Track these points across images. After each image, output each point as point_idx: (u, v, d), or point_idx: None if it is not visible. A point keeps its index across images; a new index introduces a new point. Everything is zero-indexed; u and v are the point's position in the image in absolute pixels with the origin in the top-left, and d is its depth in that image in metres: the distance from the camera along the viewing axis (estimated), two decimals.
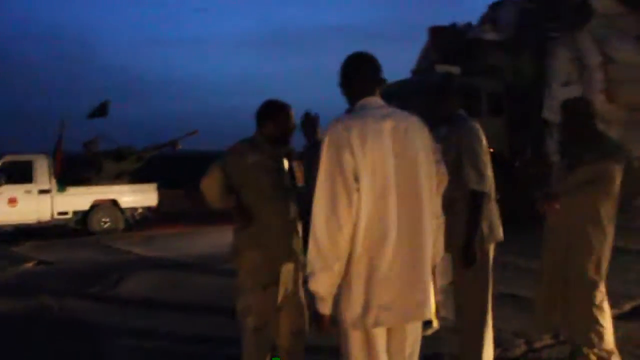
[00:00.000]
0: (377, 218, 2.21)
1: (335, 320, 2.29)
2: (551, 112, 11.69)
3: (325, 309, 2.24)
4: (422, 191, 2.33)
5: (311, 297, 2.29)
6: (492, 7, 14.57)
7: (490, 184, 3.37)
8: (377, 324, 2.25)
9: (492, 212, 3.43)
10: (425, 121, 2.51)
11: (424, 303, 2.32)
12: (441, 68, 11.80)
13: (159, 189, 13.19)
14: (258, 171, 3.28)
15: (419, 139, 2.36)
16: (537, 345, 4.19)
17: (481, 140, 3.37)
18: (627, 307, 5.02)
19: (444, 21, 15.05)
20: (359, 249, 2.21)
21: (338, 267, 2.19)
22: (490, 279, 3.42)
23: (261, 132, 3.39)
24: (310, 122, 5.34)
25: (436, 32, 15.13)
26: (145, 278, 6.87)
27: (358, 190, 2.18)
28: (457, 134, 3.35)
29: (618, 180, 3.63)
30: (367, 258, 2.22)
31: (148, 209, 12.86)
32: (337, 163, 2.20)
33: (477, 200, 3.27)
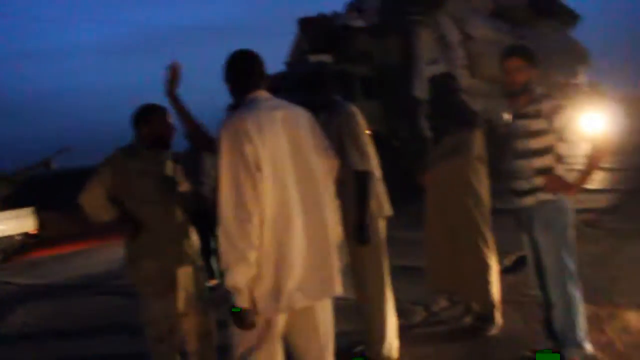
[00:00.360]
0: (281, 204, 2.25)
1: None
2: (420, 90, 12.33)
3: (245, 302, 2.19)
4: (318, 176, 2.41)
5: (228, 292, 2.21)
6: None
7: (373, 162, 3.51)
8: (289, 307, 2.27)
9: (379, 189, 3.59)
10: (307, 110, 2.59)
11: (332, 280, 2.38)
12: (314, 58, 12.04)
13: (37, 212, 12.37)
14: (139, 178, 3.17)
15: (308, 127, 2.45)
16: (435, 309, 4.47)
17: (359, 122, 3.48)
18: (507, 261, 5.50)
19: (308, 12, 15.22)
20: (267, 236, 2.22)
21: (252, 256, 2.17)
22: (385, 252, 3.57)
23: (138, 137, 3.29)
24: None
25: (305, 23, 15.33)
26: (32, 308, 6.43)
27: (261, 178, 2.20)
28: (337, 118, 3.42)
29: (480, 145, 3.93)
30: (275, 244, 2.23)
31: (26, 235, 12.05)
32: (238, 154, 2.20)
33: (362, 180, 3.39)
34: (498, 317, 3.94)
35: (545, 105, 3.03)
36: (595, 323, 3.78)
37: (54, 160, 12.95)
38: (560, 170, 3.08)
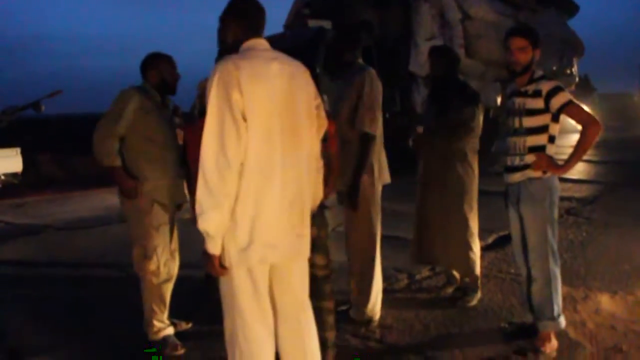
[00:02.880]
0: (263, 157, 2.22)
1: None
2: (417, 66, 12.33)
3: (216, 248, 2.20)
4: (303, 133, 2.37)
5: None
6: None
7: (380, 129, 3.58)
8: (262, 260, 2.27)
9: (382, 155, 3.67)
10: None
11: (306, 241, 2.40)
12: (313, 23, 11.95)
13: (24, 153, 12.25)
14: (144, 115, 3.38)
15: (303, 83, 2.40)
16: (418, 277, 4.61)
17: (378, 86, 3.55)
18: (490, 239, 5.66)
19: None
20: (246, 186, 2.19)
21: (227, 204, 2.15)
22: (379, 217, 3.66)
23: (147, 81, 3.52)
24: None
25: None
26: (23, 245, 6.47)
27: (246, 129, 2.17)
28: (358, 77, 3.50)
29: (481, 122, 4.04)
30: (253, 196, 2.21)
31: (13, 175, 11.94)
32: (226, 101, 2.15)
33: (367, 142, 3.46)
34: (478, 290, 4.08)
35: (545, 86, 3.10)
36: (569, 303, 3.94)
37: (44, 103, 12.75)
38: (551, 150, 3.18)
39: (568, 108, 3.07)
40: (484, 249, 5.10)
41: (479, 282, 4.13)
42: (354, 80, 3.50)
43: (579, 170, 11.08)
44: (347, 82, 3.56)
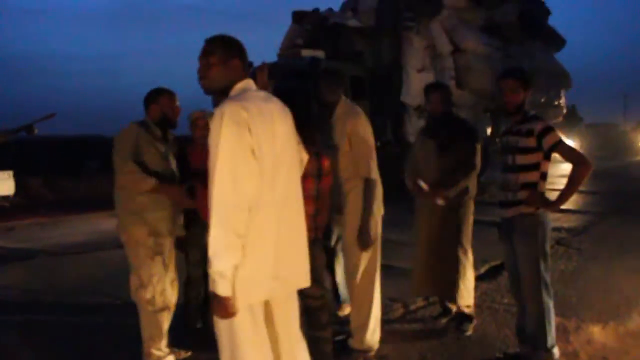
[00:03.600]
0: (267, 194, 2.24)
1: None
2: (408, 96, 12.57)
3: (229, 290, 2.14)
4: (296, 170, 2.45)
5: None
6: None
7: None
8: (269, 295, 2.31)
9: (379, 192, 3.76)
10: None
11: (306, 272, 2.45)
12: (307, 53, 12.16)
13: (16, 176, 12.28)
14: (147, 148, 3.50)
15: (289, 121, 2.44)
16: (412, 307, 4.68)
17: (369, 127, 3.69)
18: (483, 269, 5.75)
19: (304, 5, 15.34)
20: (253, 224, 2.19)
21: (241, 244, 2.14)
22: (379, 249, 3.76)
23: (149, 116, 3.65)
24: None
25: (300, 17, 15.43)
26: (16, 270, 6.48)
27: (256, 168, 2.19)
28: (349, 120, 3.63)
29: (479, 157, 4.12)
30: (259, 233, 2.22)
31: (4, 197, 11.96)
32: (239, 142, 2.16)
33: (370, 187, 3.59)
34: (473, 320, 4.17)
35: (537, 126, 3.24)
36: (562, 334, 4.01)
37: (37, 125, 12.82)
38: (543, 187, 3.32)
39: (559, 147, 3.20)
40: (477, 279, 5.19)
41: (474, 312, 4.22)
42: (346, 125, 3.61)
43: (569, 200, 11.27)
44: (337, 124, 3.70)
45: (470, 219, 4.15)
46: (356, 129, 3.60)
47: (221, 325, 2.26)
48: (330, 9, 15.56)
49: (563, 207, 8.94)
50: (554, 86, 16.21)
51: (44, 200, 13.73)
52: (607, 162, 21.51)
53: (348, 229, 3.68)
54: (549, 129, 3.23)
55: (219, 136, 2.15)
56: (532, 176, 3.29)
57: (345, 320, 3.86)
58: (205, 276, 4.02)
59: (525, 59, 14.56)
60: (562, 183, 7.48)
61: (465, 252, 4.11)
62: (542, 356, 3.31)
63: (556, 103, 16.71)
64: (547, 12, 17.14)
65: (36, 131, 13.57)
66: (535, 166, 3.28)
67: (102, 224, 9.46)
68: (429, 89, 4.30)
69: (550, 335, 3.33)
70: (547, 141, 3.20)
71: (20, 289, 5.70)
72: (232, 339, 2.26)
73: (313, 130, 3.21)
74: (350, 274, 3.76)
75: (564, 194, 3.26)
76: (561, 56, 17.23)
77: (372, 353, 3.71)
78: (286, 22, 15.56)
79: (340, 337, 3.79)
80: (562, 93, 17.01)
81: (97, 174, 15.64)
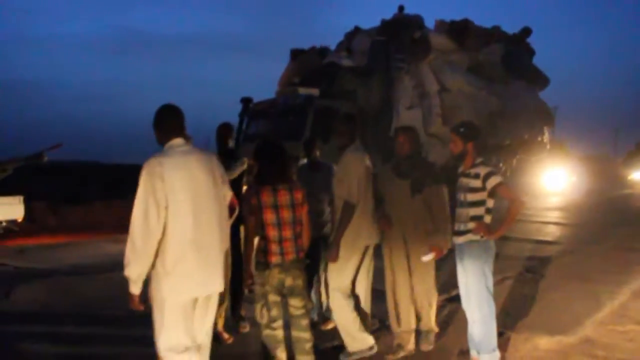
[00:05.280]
0: (186, 223, 3.16)
1: (149, 297, 3.22)
2: None
3: (136, 290, 3.17)
4: (214, 204, 3.33)
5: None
6: (348, 36, 16.07)
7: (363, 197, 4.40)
8: (190, 295, 3.22)
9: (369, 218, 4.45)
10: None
11: (219, 280, 3.33)
12: (303, 91, 12.95)
13: (25, 201, 12.97)
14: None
15: (213, 167, 3.38)
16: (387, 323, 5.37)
17: (367, 167, 4.47)
18: (454, 292, 6.42)
19: (296, 36, 16.26)
20: (173, 244, 3.12)
21: (146, 260, 3.10)
22: (348, 272, 4.48)
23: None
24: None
25: (297, 54, 16.30)
26: (37, 287, 7.14)
27: (166, 207, 3.10)
28: (348, 158, 4.46)
29: (447, 198, 4.54)
30: (179, 250, 3.14)
31: (13, 222, 12.64)
32: (150, 188, 3.08)
33: (345, 208, 4.34)
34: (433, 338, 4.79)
35: (482, 170, 4.03)
36: (512, 345, 4.74)
37: (45, 154, 13.57)
38: (487, 219, 4.08)
39: (499, 188, 3.99)
40: (449, 300, 5.96)
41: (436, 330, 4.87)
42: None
43: (545, 232, 12.02)
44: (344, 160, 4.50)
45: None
46: (347, 163, 4.45)
47: (155, 310, 3.22)
48: (325, 46, 16.43)
49: (540, 238, 9.73)
50: (537, 124, 17.02)
51: (47, 225, 14.43)
52: (594, 196, 22.25)
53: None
54: (491, 173, 4.01)
55: (139, 183, 3.11)
56: (479, 211, 4.06)
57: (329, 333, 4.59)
58: None
59: (509, 98, 15.42)
60: (544, 215, 8.48)
61: (433, 279, 4.70)
62: (487, 358, 4.03)
63: (540, 139, 17.52)
64: (532, 52, 18.06)
65: (46, 159, 14.44)
66: (482, 202, 4.05)
67: (105, 247, 10.13)
68: (396, 131, 4.85)
69: (492, 340, 4.06)
70: (490, 183, 3.98)
71: (42, 303, 6.41)
72: (161, 321, 3.19)
73: (287, 172, 4.03)
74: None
75: (503, 225, 4.03)
76: (549, 93, 18.08)
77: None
78: (284, 54, 16.46)
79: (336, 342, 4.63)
80: (546, 130, 17.81)
81: (96, 199, 16.39)
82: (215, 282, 3.33)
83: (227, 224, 3.51)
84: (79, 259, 9.35)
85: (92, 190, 17.80)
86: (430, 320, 4.75)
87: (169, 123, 3.35)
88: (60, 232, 12.96)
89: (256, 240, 3.90)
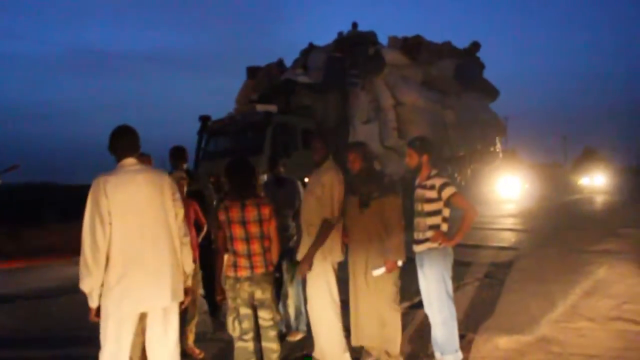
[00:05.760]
0: (130, 240, 3.27)
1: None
2: None
3: (93, 303, 3.28)
4: (162, 221, 3.43)
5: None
6: (303, 53, 16.37)
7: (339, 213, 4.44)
8: (132, 310, 3.29)
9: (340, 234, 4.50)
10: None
11: (165, 294, 3.38)
12: (261, 107, 13.13)
13: None
14: None
15: (162, 185, 3.48)
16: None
17: (342, 182, 4.48)
18: (416, 299, 6.62)
19: (250, 53, 16.40)
20: (117, 260, 3.24)
21: (97, 274, 3.21)
22: (325, 290, 4.46)
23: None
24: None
25: (254, 72, 16.47)
26: (1, 314, 7.08)
27: (111, 223, 3.23)
28: (326, 176, 4.44)
29: (400, 207, 4.49)
30: (122, 266, 3.25)
31: None
32: (95, 205, 3.22)
33: (325, 225, 4.36)
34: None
35: (437, 181, 4.25)
36: (474, 346, 4.95)
37: (1, 177, 13.33)
38: (444, 227, 4.29)
39: (454, 198, 4.22)
40: (413, 307, 6.17)
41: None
42: (320, 178, 4.45)
43: (502, 238, 12.42)
44: (316, 177, 4.52)
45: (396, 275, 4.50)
46: (332, 183, 4.40)
47: (101, 324, 3.32)
48: (281, 60, 16.60)
49: (497, 244, 10.06)
50: (489, 134, 17.61)
51: (4, 249, 14.06)
52: (546, 201, 22.97)
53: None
54: (446, 184, 4.24)
55: (88, 200, 3.26)
56: (436, 220, 4.28)
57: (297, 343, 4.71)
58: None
59: (461, 110, 15.93)
60: (499, 222, 8.80)
61: (396, 297, 4.51)
62: (450, 357, 4.24)
63: (492, 149, 18.11)
64: (482, 66, 18.71)
65: (1, 182, 14.14)
66: (438, 212, 4.28)
67: (65, 270, 9.99)
68: (347, 148, 4.79)
69: (455, 341, 4.27)
70: (446, 193, 4.21)
71: (8, 329, 6.33)
72: (104, 334, 3.30)
73: (253, 188, 4.10)
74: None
75: (458, 233, 4.25)
76: (499, 104, 18.74)
77: None
78: (238, 70, 16.57)
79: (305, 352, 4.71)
80: (498, 140, 18.43)
81: (55, 222, 16.00)
82: (160, 297, 3.39)
83: (180, 241, 3.55)
84: (40, 282, 9.22)
85: (48, 212, 17.41)
86: (397, 351, 4.50)
87: (120, 143, 3.47)
88: (18, 256, 12.66)
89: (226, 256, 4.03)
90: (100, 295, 3.28)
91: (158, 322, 3.42)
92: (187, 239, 3.61)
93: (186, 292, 3.59)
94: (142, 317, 3.43)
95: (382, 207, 4.38)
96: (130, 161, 3.45)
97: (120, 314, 3.27)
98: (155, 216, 3.40)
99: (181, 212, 3.58)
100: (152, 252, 3.35)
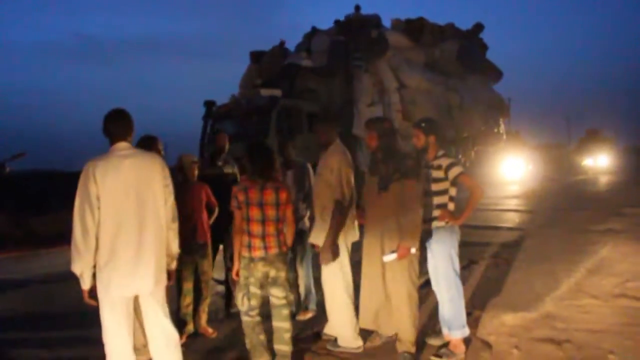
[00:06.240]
0: (116, 224, 3.32)
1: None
2: (359, 129, 13.68)
3: (85, 285, 3.36)
4: (150, 206, 3.44)
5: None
6: (307, 37, 16.35)
7: (350, 195, 4.53)
8: (119, 294, 3.37)
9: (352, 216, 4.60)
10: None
11: (147, 281, 3.43)
12: (265, 92, 13.18)
13: None
14: None
15: (152, 170, 3.50)
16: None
17: (350, 164, 4.59)
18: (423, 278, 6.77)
19: (252, 37, 16.35)
20: (105, 244, 3.30)
21: (87, 257, 3.28)
22: (341, 270, 4.59)
23: None
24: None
25: (257, 56, 16.46)
26: (15, 296, 7.21)
27: (99, 207, 3.29)
28: (333, 159, 4.54)
29: (420, 192, 4.26)
30: (109, 250, 3.31)
31: None
32: (85, 190, 3.29)
33: (337, 208, 4.43)
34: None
35: (444, 162, 4.34)
36: (480, 323, 5.07)
37: (8, 164, 13.45)
38: (451, 206, 4.38)
39: (460, 177, 4.31)
40: (422, 286, 6.24)
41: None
42: (329, 160, 4.55)
43: (506, 219, 12.53)
44: (325, 160, 4.60)
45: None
46: (340, 165, 4.50)
47: (99, 304, 3.41)
48: (283, 42, 16.54)
49: (503, 224, 10.18)
50: (493, 115, 17.63)
51: (13, 237, 14.19)
52: (550, 182, 23.01)
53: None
54: (453, 164, 4.33)
55: (78, 183, 3.34)
56: (443, 199, 4.37)
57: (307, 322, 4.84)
58: (196, 289, 4.98)
59: (465, 92, 15.95)
60: (503, 203, 8.87)
61: (415, 282, 4.42)
62: (457, 333, 4.35)
63: (496, 130, 18.13)
64: (485, 47, 18.66)
65: (8, 170, 14.29)
66: (445, 191, 4.36)
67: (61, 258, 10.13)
68: (365, 126, 4.62)
69: (462, 317, 4.38)
70: (452, 173, 4.30)
71: (22, 311, 6.48)
72: (103, 319, 3.42)
73: (272, 172, 4.14)
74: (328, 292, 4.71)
75: (465, 211, 4.34)
76: (503, 85, 18.72)
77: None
78: (240, 55, 16.53)
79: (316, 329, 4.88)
80: (501, 121, 18.44)
81: (59, 209, 16.08)
82: (144, 282, 3.44)
83: (167, 227, 3.57)
84: (51, 268, 9.32)
85: (56, 199, 17.51)
86: (408, 338, 4.35)
87: (113, 127, 3.48)
88: (27, 243, 12.81)
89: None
90: (94, 277, 3.37)
91: (147, 304, 3.52)
92: (175, 225, 3.64)
93: (169, 275, 3.64)
94: (136, 298, 3.54)
95: (401, 190, 4.20)
96: (122, 145, 3.47)
97: (110, 297, 3.37)
98: (142, 201, 3.42)
99: (171, 197, 3.60)
100: (137, 237, 3.39)
